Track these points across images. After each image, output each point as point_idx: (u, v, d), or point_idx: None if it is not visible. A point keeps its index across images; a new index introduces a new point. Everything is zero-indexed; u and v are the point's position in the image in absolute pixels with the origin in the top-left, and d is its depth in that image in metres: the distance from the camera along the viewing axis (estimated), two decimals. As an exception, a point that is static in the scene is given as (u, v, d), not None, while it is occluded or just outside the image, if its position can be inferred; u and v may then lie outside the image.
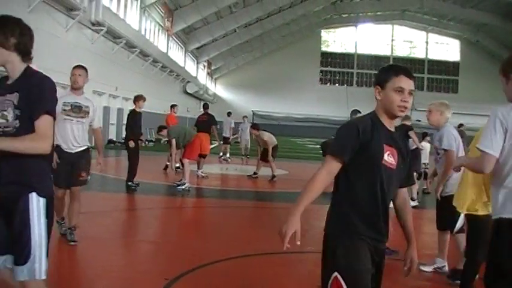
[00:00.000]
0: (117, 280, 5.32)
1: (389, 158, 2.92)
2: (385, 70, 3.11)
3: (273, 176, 14.65)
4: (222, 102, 71.81)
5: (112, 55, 27.48)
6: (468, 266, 4.89)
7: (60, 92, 6.18)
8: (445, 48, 75.94)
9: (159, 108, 37.77)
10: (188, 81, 50.67)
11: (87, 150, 6.54)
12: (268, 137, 15.13)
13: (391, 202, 3.14)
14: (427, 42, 76.14)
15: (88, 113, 6.49)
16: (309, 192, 2.84)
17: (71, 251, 6.12)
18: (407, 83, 2.94)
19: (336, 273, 2.81)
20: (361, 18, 71.82)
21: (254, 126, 15.84)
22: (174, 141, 12.18)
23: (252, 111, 71.23)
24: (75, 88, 6.52)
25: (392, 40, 76.60)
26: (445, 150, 5.74)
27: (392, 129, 3.02)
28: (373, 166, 2.90)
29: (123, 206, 9.95)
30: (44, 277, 3.10)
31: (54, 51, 20.03)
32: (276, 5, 48.76)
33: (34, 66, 12.87)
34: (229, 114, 23.65)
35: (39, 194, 3.07)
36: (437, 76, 75.68)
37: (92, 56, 23.69)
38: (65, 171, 6.27)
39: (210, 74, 66.27)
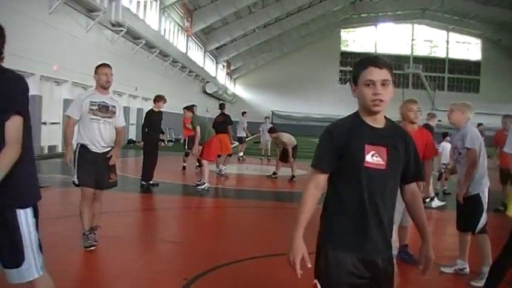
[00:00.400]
0: (136, 280, 5.34)
1: (374, 158, 2.70)
2: (355, 65, 2.89)
3: (293, 176, 14.62)
4: (241, 103, 71.81)
5: (132, 55, 27.65)
6: (495, 269, 4.80)
7: (81, 92, 6.21)
8: (466, 47, 75.28)
9: (178, 108, 37.86)
10: (207, 81, 50.82)
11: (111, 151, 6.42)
12: (287, 138, 15.10)
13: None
14: (447, 42, 75.51)
15: (115, 113, 6.40)
16: (303, 212, 2.76)
17: (90, 251, 6.15)
18: (377, 74, 2.72)
19: (315, 281, 2.81)
20: (381, 17, 71.47)
21: (271, 130, 15.79)
22: (198, 128, 12.16)
23: (272, 111, 71.15)
24: (106, 88, 6.46)
25: (412, 39, 76.08)
26: (468, 148, 5.67)
27: (379, 125, 2.78)
28: (355, 169, 2.70)
29: (142, 206, 10.00)
30: (41, 272, 3.13)
31: (75, 52, 20.22)
32: (295, 4, 48.72)
33: (55, 66, 13.17)
34: (243, 113, 23.64)
35: (27, 205, 3.07)
36: (458, 76, 75.02)
37: (112, 56, 23.82)
38: (92, 171, 6.18)
39: (229, 74, 66.38)
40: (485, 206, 5.71)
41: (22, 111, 2.90)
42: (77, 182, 6.25)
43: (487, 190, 5.77)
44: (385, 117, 2.84)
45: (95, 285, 5.18)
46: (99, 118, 6.22)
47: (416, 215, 2.95)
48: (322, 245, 2.79)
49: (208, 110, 53.46)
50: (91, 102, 6.23)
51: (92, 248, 6.09)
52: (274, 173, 15.24)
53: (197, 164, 13.84)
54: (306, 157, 18.94)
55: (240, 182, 14.61)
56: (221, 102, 19.08)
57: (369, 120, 2.78)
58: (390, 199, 2.78)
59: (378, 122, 2.79)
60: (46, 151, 18.62)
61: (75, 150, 6.28)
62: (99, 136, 6.22)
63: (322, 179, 2.79)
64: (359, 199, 2.70)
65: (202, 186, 11.96)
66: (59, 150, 19.70)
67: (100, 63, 6.64)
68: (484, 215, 5.66)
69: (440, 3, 60.06)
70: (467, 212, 5.72)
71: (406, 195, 2.96)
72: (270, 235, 7.58)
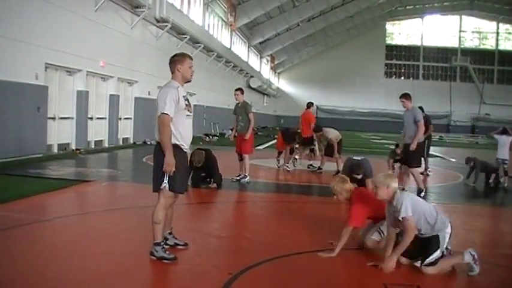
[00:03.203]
0: (181, 273, 5.32)
1: None
2: None
3: (338, 171, 14.43)
4: (285, 97, 71.87)
5: (176, 51, 27.56)
6: None
7: (169, 84, 5.74)
8: (518, 37, 73.43)
9: (222, 103, 38.03)
10: (251, 76, 50.92)
11: None
12: (333, 134, 14.95)
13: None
14: (497, 33, 73.65)
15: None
16: None
17: (135, 244, 6.16)
18: None
19: None
20: (427, 9, 70.47)
21: (316, 129, 15.69)
22: (252, 115, 12.05)
23: (316, 105, 70.92)
24: (190, 81, 5.85)
25: (460, 31, 74.57)
26: (403, 218, 5.58)
27: None
28: None
29: (187, 200, 10.00)
30: None
31: (120, 48, 20.47)
32: (340, -3, 48.42)
33: (101, 62, 13.26)
34: None
35: None
36: (509, 68, 72.93)
37: (157, 52, 24.03)
38: (187, 175, 5.86)
39: (273, 69, 66.38)
40: (441, 247, 5.64)
41: None
42: (167, 188, 5.56)
43: (447, 236, 5.68)
44: None
45: (140, 277, 5.18)
46: (190, 114, 5.73)
47: None
48: None
49: (252, 105, 53.52)
50: (184, 97, 5.64)
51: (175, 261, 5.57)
52: (319, 168, 15.10)
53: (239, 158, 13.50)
54: (352, 152, 18.78)
55: (283, 176, 14.49)
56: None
57: None
58: None
59: None
60: (93, 145, 18.91)
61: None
62: (190, 134, 5.78)
63: None
64: None
65: (246, 180, 11.96)
66: (105, 144, 19.99)
67: (180, 53, 5.95)
68: (436, 255, 5.59)
69: (490, -7, 58.74)
70: (422, 244, 5.70)
71: None
72: (314, 230, 7.48)
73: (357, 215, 6.13)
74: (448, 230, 5.69)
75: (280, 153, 15.92)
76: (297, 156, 16.15)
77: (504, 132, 13.86)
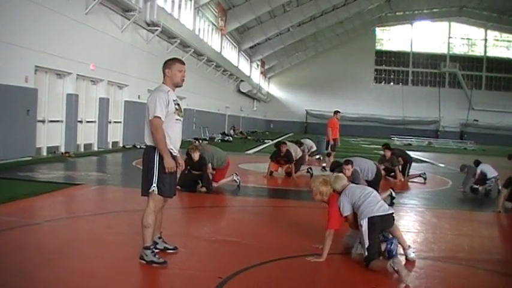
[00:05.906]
0: (171, 277, 5.32)
1: None
2: None
3: (270, 173, 15.03)
4: (275, 102, 71.95)
5: (166, 55, 27.74)
6: None
7: (159, 88, 5.72)
8: (506, 45, 73.90)
9: (212, 107, 37.99)
10: (242, 80, 50.96)
11: None
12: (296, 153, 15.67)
13: None
14: (485, 40, 74.20)
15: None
16: None
17: (125, 248, 6.16)
18: None
19: None
20: (417, 15, 70.87)
21: (281, 142, 16.13)
22: (205, 169, 11.31)
23: (306, 110, 71.25)
24: (181, 86, 5.79)
25: (449, 38, 75.05)
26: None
27: None
28: None
29: (177, 204, 10.00)
30: None
31: (111, 51, 20.43)
32: (330, 3, 48.61)
33: (91, 66, 13.23)
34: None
35: None
36: (497, 74, 73.56)
37: (147, 55, 24.02)
38: (175, 179, 5.83)
39: (263, 73, 66.43)
40: (363, 244, 5.84)
41: None
42: (156, 192, 5.56)
43: (365, 224, 5.89)
44: None
45: (129, 281, 5.18)
46: (180, 118, 5.68)
47: None
48: None
49: (242, 109, 53.63)
50: (174, 101, 5.60)
51: (165, 265, 5.54)
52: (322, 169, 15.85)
53: None
54: (342, 157, 18.83)
55: (273, 181, 14.51)
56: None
57: None
58: None
59: None
60: (82, 149, 18.84)
61: (154, 155, 5.54)
62: (179, 138, 5.75)
63: None
64: None
65: (236, 179, 12.08)
66: (95, 148, 19.93)
67: (172, 57, 5.93)
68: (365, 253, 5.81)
69: (478, 0, 59.00)
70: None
71: None
72: (303, 235, 7.49)
73: (334, 217, 6.19)
74: (364, 226, 5.89)
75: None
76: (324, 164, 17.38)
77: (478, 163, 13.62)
